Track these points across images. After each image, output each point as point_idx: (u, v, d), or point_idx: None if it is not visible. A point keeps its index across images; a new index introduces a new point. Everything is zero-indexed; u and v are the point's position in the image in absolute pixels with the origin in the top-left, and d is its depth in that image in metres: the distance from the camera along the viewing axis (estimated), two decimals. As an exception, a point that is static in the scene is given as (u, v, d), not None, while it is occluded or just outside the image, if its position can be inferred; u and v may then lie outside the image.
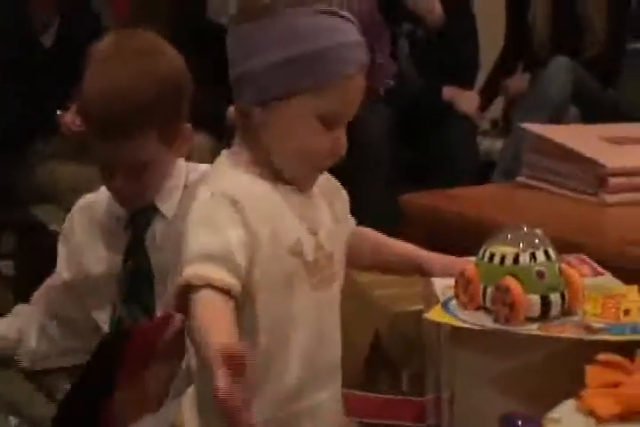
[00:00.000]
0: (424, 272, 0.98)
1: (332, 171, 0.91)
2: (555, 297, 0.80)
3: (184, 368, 0.88)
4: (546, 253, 0.81)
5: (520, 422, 0.68)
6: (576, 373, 0.77)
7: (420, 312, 1.09)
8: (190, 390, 0.86)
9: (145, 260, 1.20)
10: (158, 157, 1.14)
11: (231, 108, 2.22)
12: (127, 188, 1.15)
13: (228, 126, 2.24)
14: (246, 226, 0.80)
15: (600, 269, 0.97)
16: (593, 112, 2.35)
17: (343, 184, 0.94)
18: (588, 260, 1.00)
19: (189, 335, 0.80)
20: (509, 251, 0.82)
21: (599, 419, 0.67)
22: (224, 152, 0.87)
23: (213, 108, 2.27)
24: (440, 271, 0.97)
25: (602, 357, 0.72)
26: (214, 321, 0.73)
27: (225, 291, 0.75)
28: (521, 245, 0.82)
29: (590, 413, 0.68)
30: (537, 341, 0.80)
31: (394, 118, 2.24)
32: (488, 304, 0.82)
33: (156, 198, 1.18)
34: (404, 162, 2.26)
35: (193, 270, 0.76)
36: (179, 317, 1.04)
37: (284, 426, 0.84)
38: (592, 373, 0.71)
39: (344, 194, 0.94)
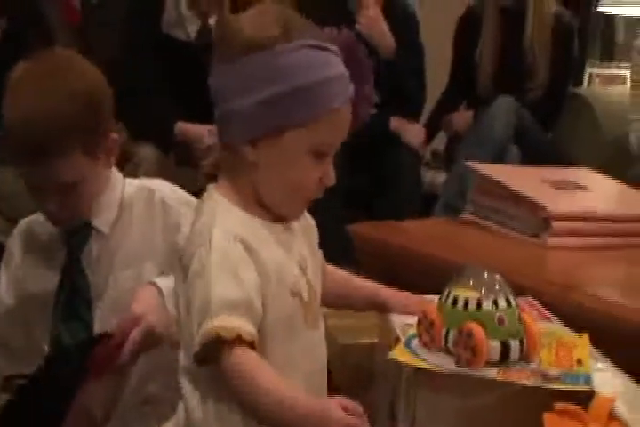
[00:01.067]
0: (384, 309, 1.01)
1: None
2: (514, 343, 0.83)
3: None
4: (507, 299, 0.85)
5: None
6: (529, 416, 0.81)
7: (371, 345, 1.13)
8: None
9: (82, 278, 1.20)
10: (86, 173, 1.14)
11: (180, 124, 2.25)
12: (60, 208, 1.15)
13: (175, 139, 2.24)
14: (258, 269, 0.81)
15: (547, 313, 1.01)
16: (532, 153, 2.43)
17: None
18: (535, 303, 1.05)
19: (237, 392, 0.79)
20: (472, 296, 0.85)
21: (556, 467, 0.69)
22: (212, 187, 0.87)
23: (161, 121, 2.27)
24: (399, 309, 0.99)
25: (559, 406, 0.75)
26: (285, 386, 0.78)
27: (252, 343, 0.78)
28: (483, 290, 0.85)
29: (548, 460, 0.71)
30: (494, 384, 0.82)
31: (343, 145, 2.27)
32: (450, 346, 0.84)
33: (90, 215, 1.18)
34: (350, 190, 2.30)
35: (221, 322, 0.77)
36: (127, 346, 1.06)
37: None
38: (550, 420, 0.74)
39: (314, 226, 0.94)
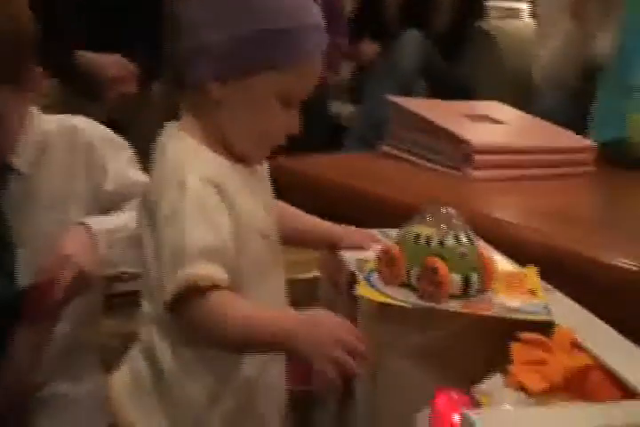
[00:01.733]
0: (334, 245, 1.01)
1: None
2: (474, 277, 0.85)
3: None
4: (467, 235, 0.86)
5: (455, 396, 0.72)
6: (485, 346, 0.84)
7: (313, 280, 1.13)
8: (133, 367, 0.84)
9: (2, 222, 1.14)
10: (11, 106, 1.08)
11: (83, 54, 2.15)
12: None
13: (77, 70, 2.14)
14: (231, 214, 0.79)
15: (487, 246, 1.04)
16: (438, 86, 2.46)
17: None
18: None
19: (214, 329, 0.77)
20: (434, 233, 0.86)
21: (529, 393, 0.72)
22: (174, 126, 0.83)
23: (63, 51, 2.16)
24: (349, 244, 1.00)
25: (526, 335, 0.77)
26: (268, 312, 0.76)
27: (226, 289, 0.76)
28: (443, 227, 0.86)
29: (520, 388, 0.73)
30: (453, 316, 0.85)
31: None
32: (413, 282, 0.86)
33: (10, 156, 1.12)
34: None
35: (196, 270, 0.75)
36: (59, 287, 1.02)
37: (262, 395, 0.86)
38: (517, 350, 0.77)
39: (266, 165, 0.92)
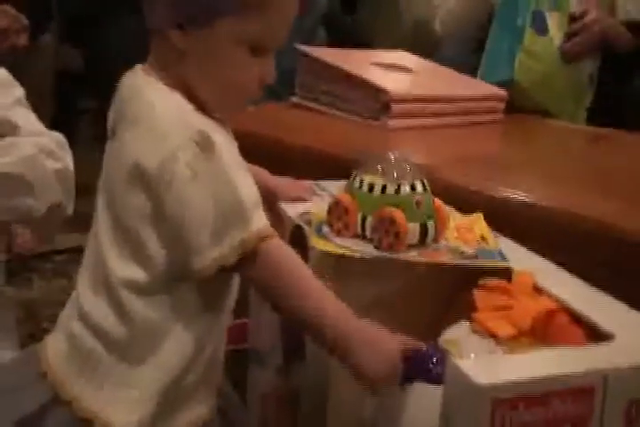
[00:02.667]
0: (270, 197, 0.96)
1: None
2: (430, 225, 0.84)
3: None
4: (422, 182, 0.84)
5: (427, 349, 0.71)
6: (446, 294, 0.83)
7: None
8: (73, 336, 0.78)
9: None
10: None
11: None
12: None
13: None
14: None
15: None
16: (338, 35, 2.43)
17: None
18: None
19: (281, 282, 0.73)
20: (387, 181, 0.84)
21: (498, 339, 0.72)
22: (142, 70, 0.75)
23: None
24: (286, 196, 0.96)
25: (489, 282, 0.77)
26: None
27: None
28: (396, 175, 0.84)
29: (487, 334, 0.73)
30: (410, 266, 0.83)
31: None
32: (367, 233, 0.84)
33: None
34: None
35: (262, 220, 0.72)
36: None
37: (214, 374, 0.82)
38: (481, 297, 0.76)
39: None
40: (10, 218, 1.08)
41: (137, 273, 0.74)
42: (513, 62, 1.77)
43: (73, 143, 1.17)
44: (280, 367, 0.98)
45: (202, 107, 0.75)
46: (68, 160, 1.11)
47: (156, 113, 0.72)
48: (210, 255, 0.70)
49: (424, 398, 0.70)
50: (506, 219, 1.04)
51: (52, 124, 2.17)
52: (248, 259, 0.71)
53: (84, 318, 0.76)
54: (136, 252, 0.74)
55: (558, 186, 1.20)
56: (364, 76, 1.57)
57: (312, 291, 0.72)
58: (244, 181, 0.72)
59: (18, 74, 2.06)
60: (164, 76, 0.75)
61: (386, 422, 0.77)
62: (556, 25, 1.83)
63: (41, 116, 2.15)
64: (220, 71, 0.74)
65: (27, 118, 1.11)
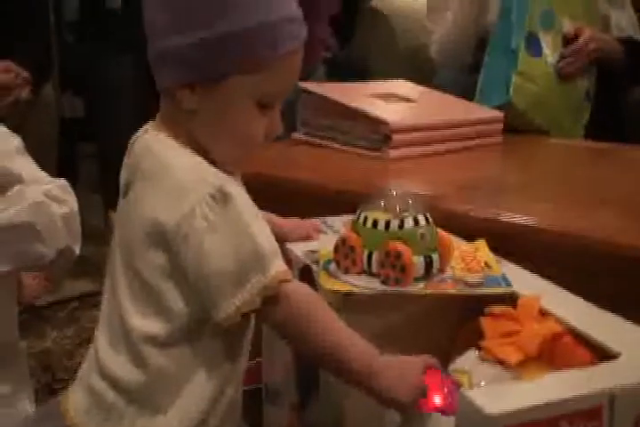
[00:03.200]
0: (278, 238, 0.99)
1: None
2: (435, 257, 0.86)
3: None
4: (424, 216, 0.87)
5: (442, 376, 0.73)
6: (454, 323, 0.85)
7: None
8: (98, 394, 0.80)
9: None
10: None
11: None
12: None
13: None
14: None
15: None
16: (335, 69, 2.47)
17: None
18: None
19: (298, 325, 0.75)
20: (391, 216, 0.86)
21: (507, 366, 0.74)
22: (155, 129, 0.78)
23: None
24: (294, 236, 0.99)
25: (494, 309, 0.79)
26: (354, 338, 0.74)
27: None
28: (399, 210, 0.87)
29: (496, 361, 0.75)
30: (417, 298, 0.86)
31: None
32: (374, 268, 0.86)
33: None
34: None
35: (280, 267, 0.73)
36: None
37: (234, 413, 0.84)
38: (488, 324, 0.78)
39: None
40: (21, 265, 1.11)
41: (158, 327, 0.76)
42: (509, 86, 1.79)
43: (76, 187, 1.20)
44: (295, 405, 1.00)
45: (212, 161, 0.77)
46: (72, 203, 1.14)
47: (173, 171, 0.74)
48: (233, 303, 0.72)
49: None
50: (511, 243, 1.07)
51: (56, 170, 2.22)
52: (270, 303, 0.73)
53: (103, 372, 0.79)
54: (157, 306, 0.76)
55: (560, 207, 1.22)
56: (363, 109, 1.61)
57: (334, 325, 0.75)
58: (262, 229, 0.74)
59: (23, 124, 2.12)
60: (173, 133, 0.77)
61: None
62: (549, 45, 1.86)
63: (47, 162, 2.20)
64: (229, 127, 0.76)
65: (28, 167, 1.14)
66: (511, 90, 1.79)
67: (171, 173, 0.74)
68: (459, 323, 0.87)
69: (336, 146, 1.65)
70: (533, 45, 1.84)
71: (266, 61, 0.74)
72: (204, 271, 0.72)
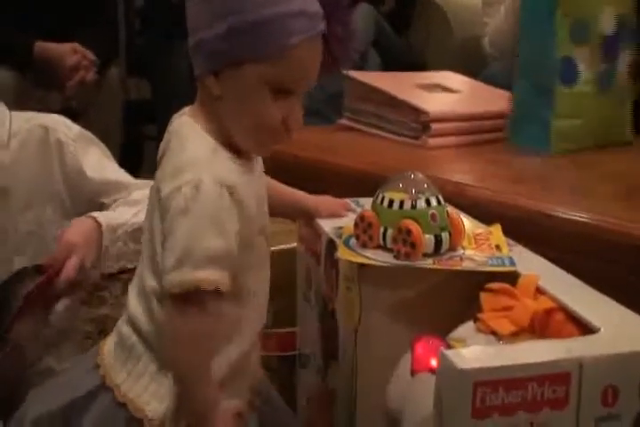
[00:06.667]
0: (310, 215, 1.07)
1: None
2: (444, 236, 0.93)
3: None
4: (436, 198, 0.94)
5: (430, 342, 0.80)
6: (462, 298, 0.92)
7: (289, 251, 1.20)
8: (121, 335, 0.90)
9: None
10: None
11: (39, 43, 2.16)
12: None
13: (33, 60, 2.16)
14: (241, 216, 0.82)
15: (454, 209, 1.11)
16: (390, 57, 2.53)
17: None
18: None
19: (177, 334, 0.82)
20: (406, 197, 0.93)
21: (499, 337, 0.80)
22: (191, 120, 0.86)
23: (18, 41, 2.18)
24: (325, 213, 1.06)
25: (493, 285, 0.85)
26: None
27: (224, 293, 0.81)
28: (413, 191, 0.94)
29: (490, 332, 0.81)
30: (428, 273, 0.92)
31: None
32: (388, 244, 0.93)
33: None
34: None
35: (203, 275, 0.79)
36: (71, 265, 1.07)
37: (241, 376, 0.91)
38: (486, 299, 0.85)
39: None
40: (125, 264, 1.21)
41: (156, 283, 0.85)
42: (548, 130, 1.60)
43: (140, 169, 1.28)
44: (320, 368, 1.08)
45: (236, 146, 0.85)
46: None
47: (183, 152, 0.83)
48: (167, 279, 0.80)
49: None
50: (526, 229, 1.13)
51: (121, 152, 2.33)
52: (181, 299, 0.80)
53: (129, 319, 0.90)
54: (155, 264, 0.85)
55: (585, 198, 1.26)
56: (405, 98, 1.68)
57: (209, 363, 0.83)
58: (210, 234, 0.79)
59: (88, 105, 2.23)
60: (203, 118, 0.86)
61: (410, 409, 0.85)
62: (587, 60, 1.62)
63: (111, 144, 2.30)
64: (245, 112, 0.83)
65: (119, 172, 1.22)
66: (551, 137, 1.60)
67: (181, 152, 0.83)
68: (467, 299, 0.93)
69: (377, 132, 1.72)
70: (567, 71, 1.61)
71: (277, 51, 0.81)
72: (166, 243, 0.81)
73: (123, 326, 0.91)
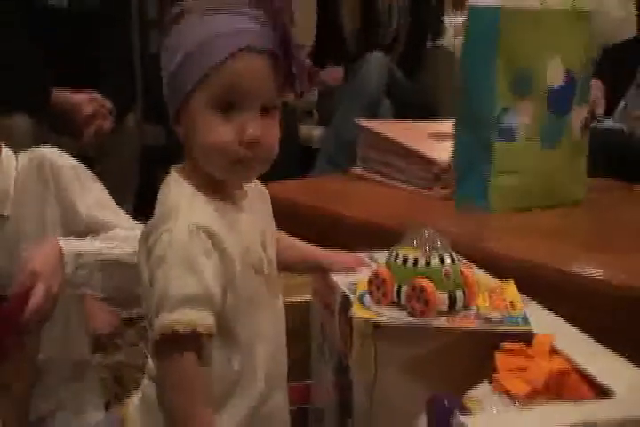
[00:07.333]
0: (324, 269, 1.08)
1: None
2: (458, 294, 0.93)
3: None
4: (450, 255, 0.94)
5: (447, 402, 0.80)
6: (477, 356, 0.92)
7: (304, 304, 1.20)
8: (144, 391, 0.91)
9: None
10: None
11: (57, 92, 2.20)
12: None
13: (51, 108, 2.20)
14: (222, 256, 0.83)
15: (466, 261, 1.12)
16: (402, 105, 2.56)
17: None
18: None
19: (163, 379, 0.84)
20: (420, 254, 0.94)
21: (514, 398, 0.80)
22: (175, 168, 0.90)
23: (35, 90, 2.22)
24: (339, 268, 1.07)
25: (507, 345, 0.86)
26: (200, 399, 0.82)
27: (207, 334, 0.82)
28: (427, 248, 0.95)
29: (505, 393, 0.82)
30: (441, 331, 0.93)
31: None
32: (402, 301, 0.94)
33: None
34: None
35: (178, 316, 0.80)
36: (36, 294, 1.07)
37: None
38: (500, 359, 0.85)
39: (267, 194, 0.99)
40: (112, 296, 1.23)
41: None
42: (486, 186, 1.52)
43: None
44: (335, 425, 1.08)
45: (217, 186, 0.87)
46: None
47: (165, 203, 0.86)
48: (152, 326, 0.82)
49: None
50: (543, 285, 1.13)
51: (136, 197, 2.35)
52: (161, 343, 0.81)
53: (148, 371, 0.90)
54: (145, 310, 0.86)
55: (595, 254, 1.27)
56: (415, 148, 1.70)
57: (187, 404, 0.83)
58: (182, 277, 0.81)
59: (105, 152, 2.25)
60: (185, 167, 0.89)
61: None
62: (529, 112, 1.53)
63: (127, 189, 2.33)
64: (198, 136, 0.85)
65: (119, 215, 1.24)
66: (490, 194, 1.52)
67: (163, 203, 0.87)
68: (481, 356, 0.94)
69: (390, 182, 1.73)
70: (507, 125, 1.51)
71: (208, 73, 0.83)
72: (150, 292, 0.83)
73: (145, 380, 0.91)
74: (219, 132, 0.84)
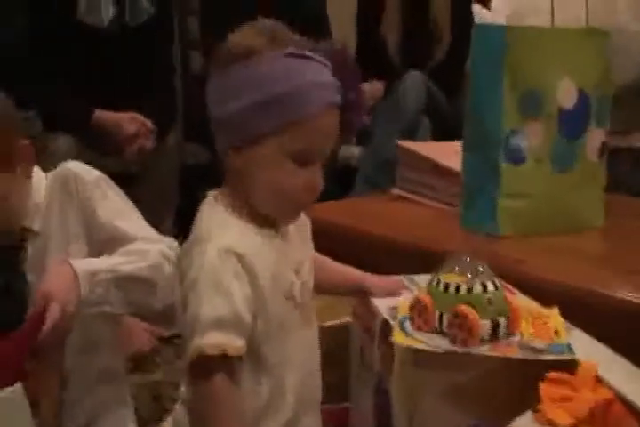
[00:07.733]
0: (364, 293, 1.07)
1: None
2: (502, 321, 0.93)
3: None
4: (493, 282, 0.94)
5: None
6: (519, 384, 0.91)
7: (342, 326, 1.20)
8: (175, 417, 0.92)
9: (22, 282, 1.21)
10: (6, 188, 1.18)
11: (98, 112, 2.23)
12: None
13: (92, 129, 2.23)
14: (252, 281, 0.85)
15: (509, 286, 1.11)
16: (441, 124, 2.55)
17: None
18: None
19: (197, 402, 0.85)
20: (462, 281, 0.94)
21: (558, 428, 0.80)
22: (212, 193, 0.91)
23: (76, 110, 2.25)
24: (379, 292, 1.06)
25: (552, 375, 0.85)
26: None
27: (237, 357, 0.83)
28: (469, 275, 0.94)
29: (549, 424, 0.81)
30: (482, 359, 0.92)
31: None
32: (444, 328, 0.93)
33: (23, 220, 1.21)
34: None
35: (208, 340, 0.82)
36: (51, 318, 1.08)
37: None
38: (544, 388, 0.84)
39: (307, 220, 0.99)
40: (132, 311, 1.25)
41: None
42: (494, 210, 1.45)
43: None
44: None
45: (257, 216, 0.88)
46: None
47: (200, 228, 0.88)
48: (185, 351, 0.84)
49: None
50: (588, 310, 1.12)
51: (177, 214, 2.36)
52: (200, 365, 0.83)
53: (181, 395, 0.91)
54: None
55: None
56: (451, 166, 1.67)
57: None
58: (213, 300, 0.83)
59: (146, 170, 2.27)
60: (224, 193, 0.90)
61: None
62: (538, 133, 1.45)
63: (167, 209, 2.34)
64: (267, 182, 0.87)
65: (141, 227, 1.26)
66: (498, 217, 1.45)
67: (198, 228, 0.89)
68: (524, 384, 0.92)
69: (430, 203, 1.72)
70: (515, 147, 1.43)
71: (292, 123, 0.84)
72: (183, 316, 0.85)
73: (177, 404, 0.92)
74: (292, 182, 0.86)
